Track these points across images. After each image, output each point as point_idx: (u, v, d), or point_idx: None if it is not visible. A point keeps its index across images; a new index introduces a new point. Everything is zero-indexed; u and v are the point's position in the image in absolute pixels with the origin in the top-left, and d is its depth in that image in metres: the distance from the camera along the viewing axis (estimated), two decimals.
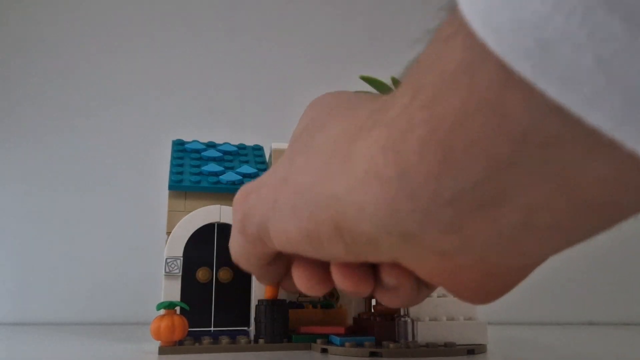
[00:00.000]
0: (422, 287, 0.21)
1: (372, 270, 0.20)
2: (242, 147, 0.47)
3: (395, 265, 0.19)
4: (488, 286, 0.18)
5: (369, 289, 0.21)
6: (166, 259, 0.38)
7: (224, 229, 0.42)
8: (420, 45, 0.15)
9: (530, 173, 0.12)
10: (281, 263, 0.26)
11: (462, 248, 0.15)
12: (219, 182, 0.41)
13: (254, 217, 0.22)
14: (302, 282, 0.22)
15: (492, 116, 0.12)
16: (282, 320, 0.38)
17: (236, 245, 0.26)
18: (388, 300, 0.21)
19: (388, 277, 0.20)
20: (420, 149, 0.13)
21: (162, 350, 0.35)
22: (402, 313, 0.38)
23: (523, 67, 0.10)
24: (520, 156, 0.12)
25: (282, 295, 0.40)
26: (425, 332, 0.36)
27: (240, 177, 0.41)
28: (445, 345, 0.36)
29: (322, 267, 0.22)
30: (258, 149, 0.48)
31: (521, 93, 0.11)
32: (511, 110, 0.11)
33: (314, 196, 0.18)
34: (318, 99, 0.25)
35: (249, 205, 0.23)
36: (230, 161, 0.44)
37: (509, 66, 0.11)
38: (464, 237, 0.15)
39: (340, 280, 0.20)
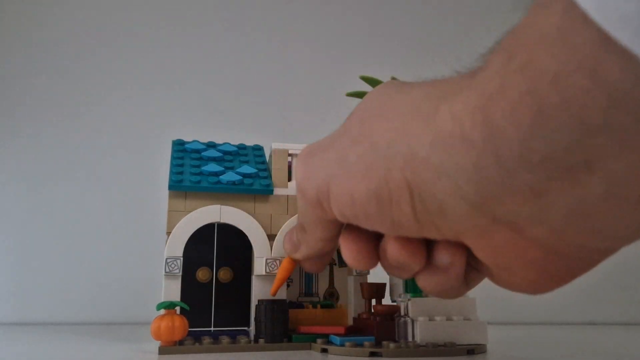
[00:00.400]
0: (465, 282, 0.21)
1: (426, 247, 0.20)
2: (242, 147, 0.47)
3: (452, 242, 0.19)
4: (551, 270, 0.17)
5: (421, 264, 0.20)
6: (166, 259, 0.38)
7: (224, 229, 0.42)
8: (516, 15, 0.15)
9: (620, 140, 0.12)
10: (335, 242, 0.25)
11: (538, 218, 0.15)
12: (219, 182, 0.41)
13: (315, 179, 0.22)
14: (352, 254, 0.22)
15: (588, 80, 0.12)
16: (282, 320, 0.38)
17: (299, 210, 0.25)
18: (433, 283, 0.20)
19: (443, 254, 0.19)
20: (512, 111, 0.13)
21: (162, 350, 0.35)
22: (402, 313, 0.38)
23: (622, 35, 0.11)
24: (612, 121, 0.12)
25: (282, 295, 0.40)
26: (425, 332, 0.36)
27: (240, 177, 0.41)
28: (445, 345, 0.36)
29: (372, 242, 0.21)
30: (258, 149, 0.48)
31: (619, 59, 0.11)
32: (608, 75, 0.12)
33: (390, 154, 0.18)
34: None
35: (311, 167, 0.22)
36: (230, 161, 0.44)
37: (609, 33, 0.11)
38: (544, 204, 0.14)
39: (396, 251, 0.20)
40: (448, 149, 0.15)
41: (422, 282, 0.21)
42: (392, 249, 0.20)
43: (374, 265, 0.22)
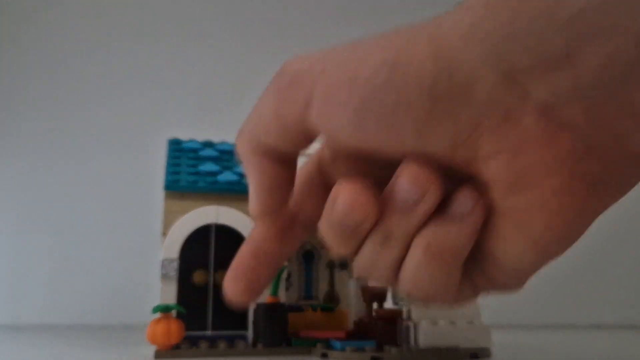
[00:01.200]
0: (463, 282, 0.19)
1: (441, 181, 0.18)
2: None
3: (472, 188, 0.17)
4: (579, 182, 0.16)
5: (437, 194, 0.17)
6: (162, 260, 0.37)
7: (221, 231, 0.41)
8: None
9: None
10: (289, 173, 0.20)
11: (572, 90, 0.15)
12: (216, 182, 0.40)
13: (307, 59, 0.20)
14: (350, 196, 0.17)
15: None
16: (281, 324, 0.37)
17: (261, 109, 0.20)
18: (442, 237, 0.17)
19: (464, 197, 0.17)
20: None
21: (158, 355, 0.35)
22: (404, 317, 0.38)
23: None
24: None
25: (280, 298, 0.39)
26: (427, 336, 0.36)
27: (238, 177, 0.41)
28: (448, 349, 0.35)
29: (371, 189, 0.18)
30: None
31: None
32: None
33: (413, 31, 0.17)
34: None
35: (308, 64, 0.20)
36: (228, 160, 0.44)
37: None
38: (577, 67, 0.15)
39: (416, 171, 0.17)
40: (476, 11, 0.16)
41: (429, 234, 0.18)
42: (411, 168, 0.17)
43: (373, 213, 0.18)
